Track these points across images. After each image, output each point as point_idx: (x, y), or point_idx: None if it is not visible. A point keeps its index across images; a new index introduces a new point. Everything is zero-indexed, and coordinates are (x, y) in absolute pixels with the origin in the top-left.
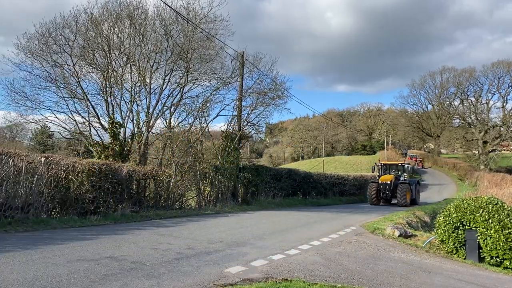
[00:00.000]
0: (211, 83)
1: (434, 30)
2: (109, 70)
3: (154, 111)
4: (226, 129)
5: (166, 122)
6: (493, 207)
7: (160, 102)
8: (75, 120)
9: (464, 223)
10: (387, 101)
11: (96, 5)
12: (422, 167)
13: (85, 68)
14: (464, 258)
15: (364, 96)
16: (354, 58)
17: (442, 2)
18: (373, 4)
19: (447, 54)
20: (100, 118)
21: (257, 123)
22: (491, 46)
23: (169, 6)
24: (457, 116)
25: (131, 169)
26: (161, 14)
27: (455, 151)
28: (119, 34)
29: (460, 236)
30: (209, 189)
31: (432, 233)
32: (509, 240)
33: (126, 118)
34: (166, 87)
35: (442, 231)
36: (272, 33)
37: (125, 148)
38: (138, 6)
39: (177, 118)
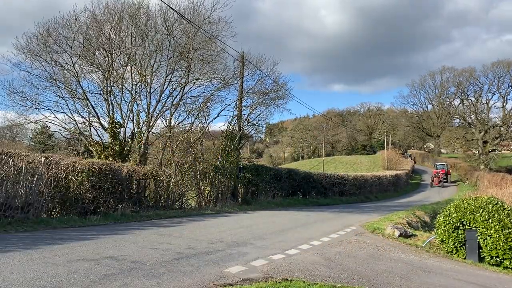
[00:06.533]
0: (212, 83)
1: (429, 29)
2: (110, 70)
3: (155, 111)
4: (226, 129)
5: (166, 122)
6: (493, 207)
7: (160, 102)
8: (75, 120)
9: (464, 223)
10: (383, 101)
11: (98, 5)
12: (442, 185)
13: (85, 67)
14: (464, 258)
15: (361, 96)
16: (350, 57)
17: (437, 0)
18: (368, 3)
19: (444, 53)
20: (100, 118)
21: (257, 123)
22: (487, 45)
23: (173, 10)
24: (457, 116)
25: (131, 169)
26: (164, 13)
27: (455, 151)
28: (121, 34)
29: (460, 236)
30: (209, 189)
31: (432, 233)
32: (509, 240)
33: (126, 118)
34: (167, 87)
35: (442, 231)
36: (267, 32)
37: (125, 148)
38: (141, 6)
39: (177, 118)
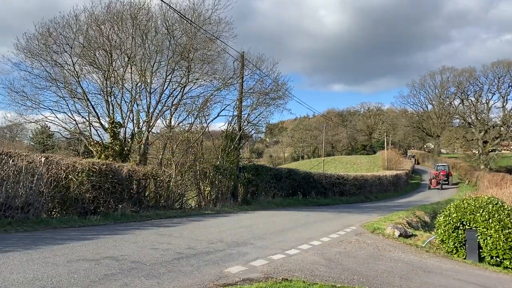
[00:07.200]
0: (212, 83)
1: (429, 29)
2: (110, 70)
3: (155, 111)
4: (227, 129)
5: (166, 122)
6: (493, 207)
7: (160, 102)
8: (75, 120)
9: (464, 223)
10: (383, 101)
11: (99, 4)
12: (441, 187)
13: (86, 67)
14: (464, 258)
15: (361, 96)
16: (350, 57)
17: (437, 0)
18: (367, 2)
19: (443, 53)
20: (100, 118)
21: (258, 123)
22: (487, 44)
23: (174, 10)
24: (457, 116)
25: (131, 169)
26: (164, 13)
27: (455, 151)
28: (121, 34)
29: (460, 236)
30: (209, 189)
31: (432, 233)
32: (509, 240)
33: (126, 118)
34: (167, 87)
35: (442, 231)
36: (266, 32)
37: (125, 148)
38: (142, 7)
39: (178, 118)
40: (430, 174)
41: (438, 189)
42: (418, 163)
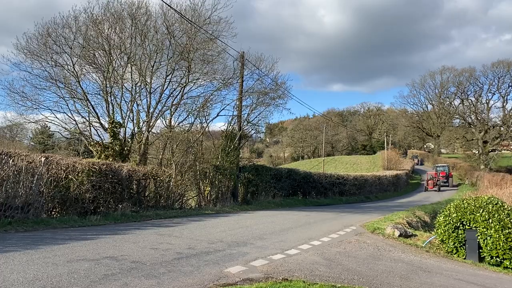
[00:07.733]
0: (212, 83)
1: (428, 28)
2: (110, 70)
3: (155, 111)
4: (226, 129)
5: (166, 122)
6: (493, 207)
7: (160, 102)
8: (75, 120)
9: (464, 223)
10: (382, 100)
11: (97, 4)
12: (438, 189)
13: (85, 67)
14: (464, 258)
15: (359, 95)
16: (349, 57)
17: (436, 0)
18: (367, 2)
19: (443, 53)
20: (100, 118)
21: (257, 123)
22: (486, 44)
23: (174, 10)
24: (457, 116)
25: (131, 169)
26: (165, 13)
27: (455, 151)
28: (120, 34)
29: (460, 236)
30: (209, 189)
31: (432, 233)
32: (509, 240)
33: (126, 118)
34: (167, 87)
35: (442, 231)
36: (264, 31)
37: (125, 148)
38: (141, 6)
39: (178, 118)
40: (428, 175)
41: (436, 190)
42: (422, 164)
